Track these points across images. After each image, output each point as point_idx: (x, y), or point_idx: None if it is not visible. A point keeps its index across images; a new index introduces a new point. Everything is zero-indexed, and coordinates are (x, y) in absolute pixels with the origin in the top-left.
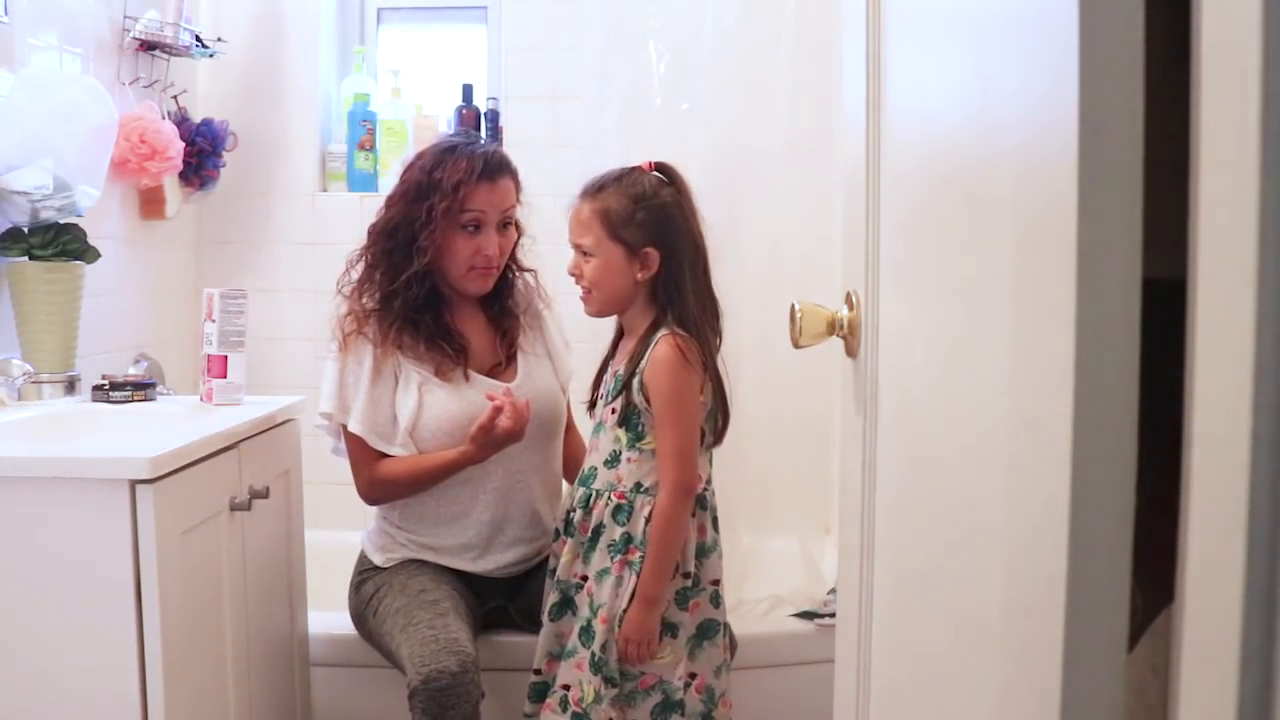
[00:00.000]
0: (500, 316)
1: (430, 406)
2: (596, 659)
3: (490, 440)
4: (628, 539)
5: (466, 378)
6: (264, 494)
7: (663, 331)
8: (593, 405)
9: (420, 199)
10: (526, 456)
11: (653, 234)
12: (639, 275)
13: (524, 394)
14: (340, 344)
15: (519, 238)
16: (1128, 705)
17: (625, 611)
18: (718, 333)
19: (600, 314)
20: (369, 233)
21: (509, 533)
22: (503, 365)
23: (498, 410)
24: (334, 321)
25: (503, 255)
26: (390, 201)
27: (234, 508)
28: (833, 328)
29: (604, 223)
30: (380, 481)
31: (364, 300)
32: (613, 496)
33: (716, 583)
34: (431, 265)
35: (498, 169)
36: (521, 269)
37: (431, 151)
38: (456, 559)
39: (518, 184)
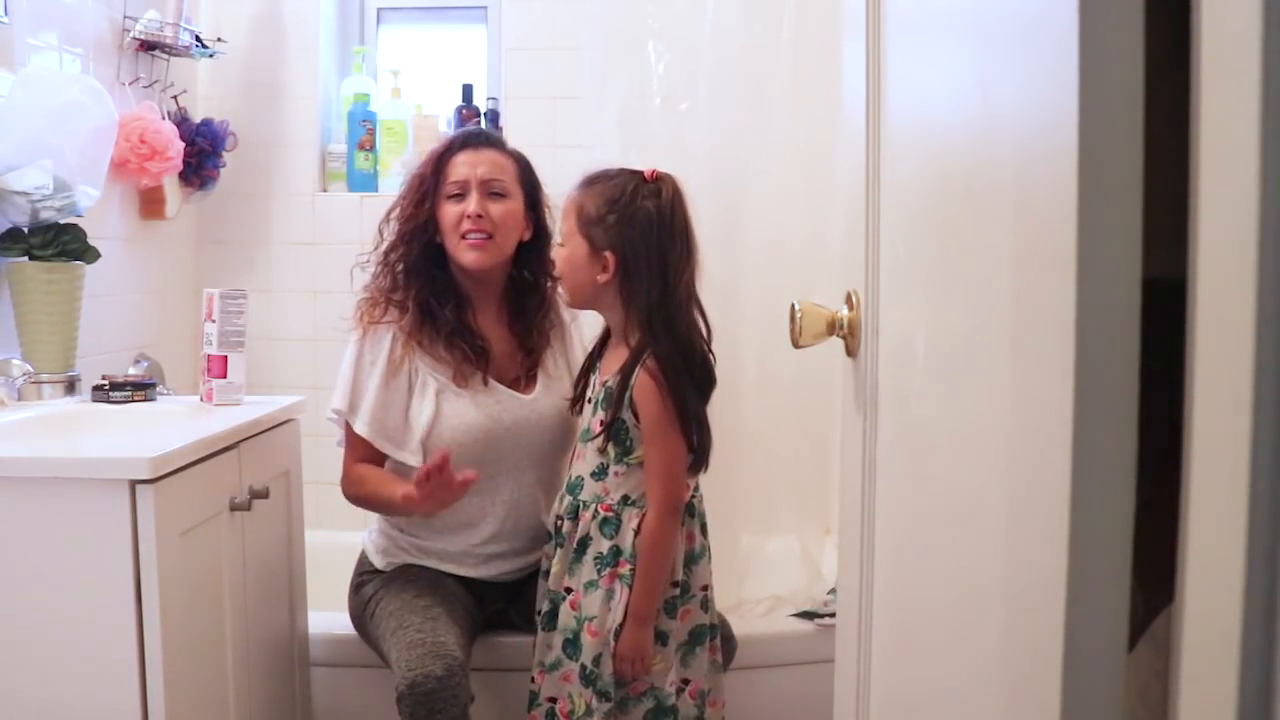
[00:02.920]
0: (526, 334)
1: (448, 415)
2: (589, 672)
3: (427, 493)
4: (616, 552)
5: (485, 384)
6: (264, 494)
7: (647, 356)
8: (574, 403)
9: (416, 181)
10: (536, 470)
11: (615, 240)
12: (599, 277)
13: (540, 408)
14: (356, 321)
15: (543, 238)
16: (1130, 706)
17: (621, 625)
18: (701, 355)
19: (570, 305)
20: (383, 226)
21: (514, 543)
22: (522, 381)
23: (440, 465)
24: (355, 307)
25: (497, 224)
26: (398, 199)
27: (234, 508)
28: (833, 328)
29: (579, 216)
30: (353, 481)
31: (384, 280)
32: (600, 509)
33: (706, 588)
34: (435, 237)
35: (478, 140)
36: (555, 279)
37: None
38: (459, 565)
39: (519, 164)
